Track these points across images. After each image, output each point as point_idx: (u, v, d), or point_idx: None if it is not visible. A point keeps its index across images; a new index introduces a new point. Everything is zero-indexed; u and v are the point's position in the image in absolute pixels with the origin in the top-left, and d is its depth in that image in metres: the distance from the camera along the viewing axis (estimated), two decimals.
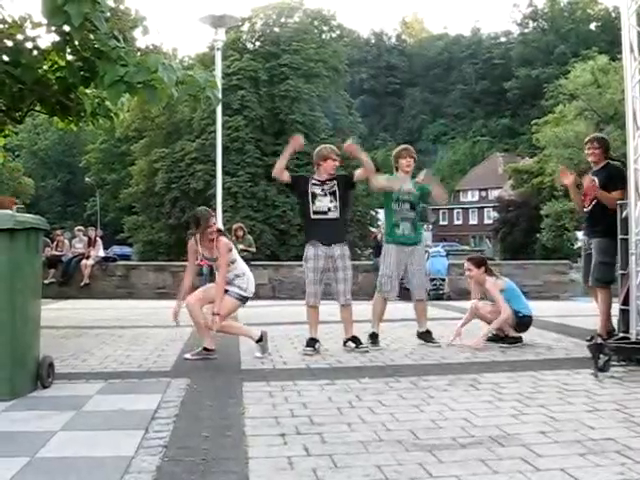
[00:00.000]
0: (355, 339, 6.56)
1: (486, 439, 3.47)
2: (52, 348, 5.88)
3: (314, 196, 6.43)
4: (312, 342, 6.43)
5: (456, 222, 75.84)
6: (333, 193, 6.45)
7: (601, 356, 5.08)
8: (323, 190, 6.44)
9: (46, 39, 6.76)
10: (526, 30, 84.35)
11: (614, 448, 3.28)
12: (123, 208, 53.10)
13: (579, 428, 3.65)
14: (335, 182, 6.50)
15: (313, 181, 6.51)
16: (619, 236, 5.91)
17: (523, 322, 6.73)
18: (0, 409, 4.17)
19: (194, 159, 44.61)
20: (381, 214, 8.81)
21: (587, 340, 6.33)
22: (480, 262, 7.02)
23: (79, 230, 16.85)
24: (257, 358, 6.07)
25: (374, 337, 6.76)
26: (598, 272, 6.43)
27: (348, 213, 6.64)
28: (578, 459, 3.14)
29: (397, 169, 6.93)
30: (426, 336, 6.89)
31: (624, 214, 5.80)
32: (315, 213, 6.43)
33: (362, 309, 6.99)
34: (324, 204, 6.41)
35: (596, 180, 6.53)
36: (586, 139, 7.06)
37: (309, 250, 6.45)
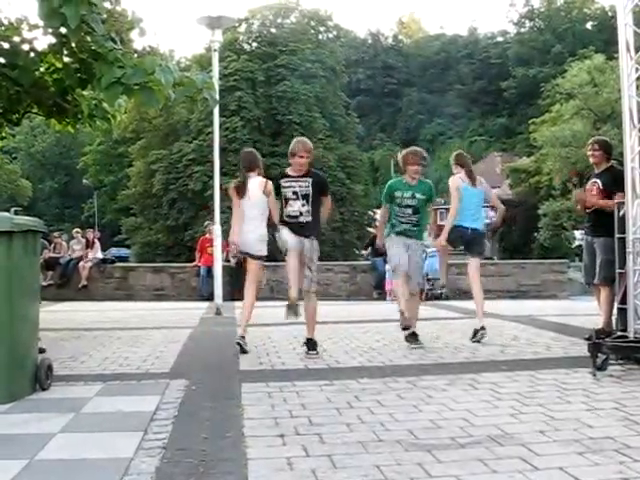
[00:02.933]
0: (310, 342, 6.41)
1: (485, 439, 3.47)
2: (50, 350, 5.87)
3: (287, 201, 6.36)
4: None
5: None
6: (306, 196, 6.32)
7: (599, 355, 5.09)
8: (295, 193, 6.32)
9: (43, 41, 6.76)
10: (523, 29, 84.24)
11: (613, 447, 3.28)
12: (121, 210, 53.03)
13: (578, 427, 3.65)
14: (309, 181, 6.35)
15: (285, 179, 6.42)
16: (616, 235, 5.92)
17: None
18: None
19: (192, 160, 44.57)
20: (379, 214, 8.85)
21: (585, 338, 6.36)
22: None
23: (77, 232, 16.86)
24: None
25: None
26: (605, 270, 6.43)
27: (322, 215, 6.53)
28: (577, 458, 3.14)
29: (404, 172, 6.93)
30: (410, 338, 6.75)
31: (621, 213, 5.81)
32: (287, 217, 6.40)
33: (361, 309, 7.01)
34: (295, 209, 6.31)
35: (599, 182, 6.64)
36: (588, 142, 7.19)
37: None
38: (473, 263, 7.34)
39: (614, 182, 6.34)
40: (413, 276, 6.85)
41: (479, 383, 4.87)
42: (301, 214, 6.31)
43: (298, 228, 6.28)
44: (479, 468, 3.03)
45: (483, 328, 6.97)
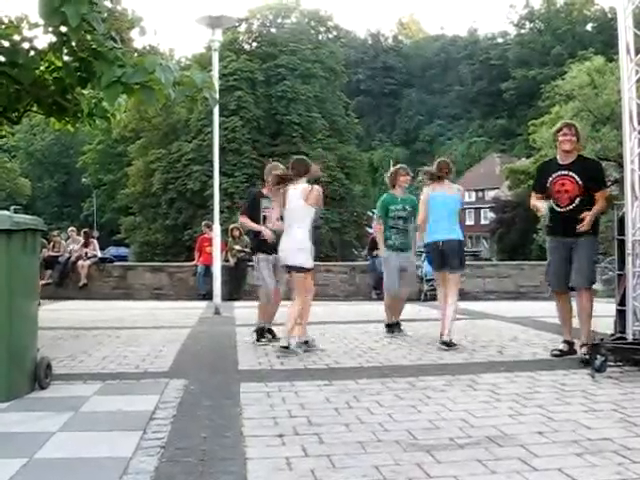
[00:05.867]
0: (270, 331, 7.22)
1: (484, 439, 3.47)
2: (49, 349, 5.88)
3: (265, 218, 7.04)
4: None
5: None
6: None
7: (598, 357, 5.10)
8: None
9: (43, 40, 6.74)
10: (523, 31, 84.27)
11: (611, 448, 3.29)
12: (120, 209, 53.09)
13: (576, 428, 3.65)
14: None
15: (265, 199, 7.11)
16: (616, 237, 5.92)
17: None
18: None
19: (191, 160, 44.62)
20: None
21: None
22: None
23: (72, 230, 16.90)
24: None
25: (394, 326, 7.71)
26: (590, 273, 5.92)
27: None
28: (575, 459, 3.14)
29: (394, 186, 7.81)
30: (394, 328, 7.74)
31: (620, 214, 5.81)
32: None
33: (360, 310, 7.00)
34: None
35: (574, 176, 5.86)
36: (559, 125, 6.27)
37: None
38: (453, 280, 6.84)
39: (589, 174, 5.89)
40: (407, 286, 7.83)
41: (478, 384, 4.88)
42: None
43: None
44: (478, 469, 3.04)
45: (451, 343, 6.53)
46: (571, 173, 5.92)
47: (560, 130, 6.10)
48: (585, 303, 5.91)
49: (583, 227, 5.74)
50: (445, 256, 6.75)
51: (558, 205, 6.00)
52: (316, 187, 6.48)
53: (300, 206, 6.38)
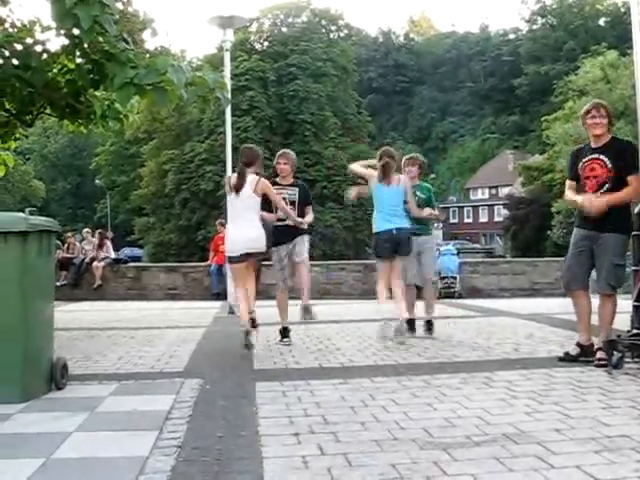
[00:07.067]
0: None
1: (500, 437, 3.45)
2: (65, 350, 5.90)
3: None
4: (286, 332, 7.02)
5: (466, 220, 75.73)
6: (292, 202, 6.86)
7: (615, 353, 5.06)
8: (284, 199, 6.77)
9: (55, 42, 6.81)
10: (534, 26, 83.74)
11: (629, 445, 3.26)
12: (133, 210, 53.33)
13: (594, 425, 3.62)
14: (297, 190, 6.93)
15: (276, 186, 6.83)
16: (634, 232, 5.85)
17: None
18: (14, 411, 4.18)
19: (204, 160, 44.76)
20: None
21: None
22: None
23: (87, 232, 17.01)
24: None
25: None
26: (615, 276, 5.33)
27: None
28: (594, 456, 3.11)
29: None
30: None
31: (637, 209, 5.75)
32: (277, 220, 6.81)
33: (374, 308, 6.97)
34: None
35: (604, 159, 5.30)
36: (587, 106, 5.56)
37: (273, 254, 7.00)
38: (398, 266, 7.03)
39: (623, 158, 5.28)
40: (426, 269, 7.44)
41: (494, 381, 4.85)
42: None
43: (286, 232, 6.78)
44: (495, 466, 3.02)
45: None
46: (602, 156, 5.32)
47: (588, 112, 5.43)
48: (606, 309, 5.41)
49: (600, 204, 5.17)
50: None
51: (586, 192, 5.40)
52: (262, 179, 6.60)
53: (253, 195, 6.46)
